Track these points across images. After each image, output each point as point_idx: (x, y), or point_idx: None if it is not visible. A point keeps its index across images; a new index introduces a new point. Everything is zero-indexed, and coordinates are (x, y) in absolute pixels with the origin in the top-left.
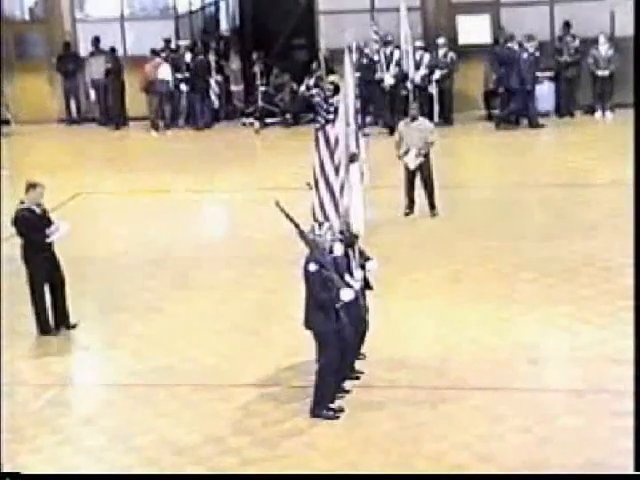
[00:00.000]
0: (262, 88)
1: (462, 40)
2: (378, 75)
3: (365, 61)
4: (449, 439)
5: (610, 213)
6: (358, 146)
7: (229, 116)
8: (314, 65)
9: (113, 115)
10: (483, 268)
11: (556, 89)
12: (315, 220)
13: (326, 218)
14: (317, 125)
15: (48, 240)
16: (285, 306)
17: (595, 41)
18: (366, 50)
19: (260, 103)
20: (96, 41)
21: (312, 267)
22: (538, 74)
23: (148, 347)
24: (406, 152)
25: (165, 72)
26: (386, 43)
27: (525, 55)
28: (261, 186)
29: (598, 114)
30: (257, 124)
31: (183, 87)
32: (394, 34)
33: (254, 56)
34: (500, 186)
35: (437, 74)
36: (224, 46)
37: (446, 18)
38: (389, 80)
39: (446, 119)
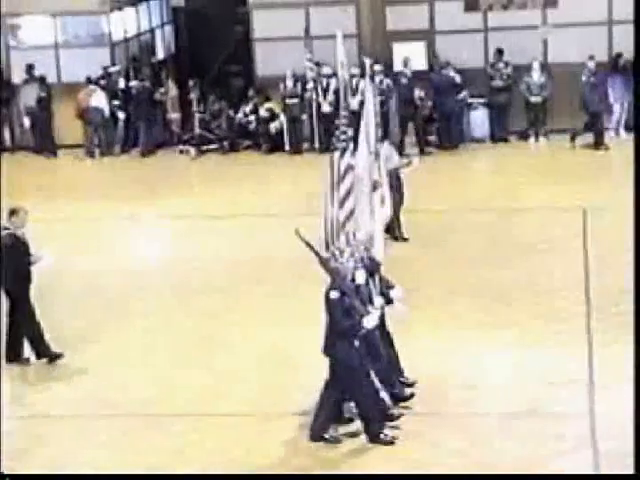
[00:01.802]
0: (199, 115)
1: (398, 67)
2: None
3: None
4: (389, 464)
5: (543, 237)
6: (380, 174)
7: (166, 143)
8: (250, 92)
9: (46, 143)
10: (417, 293)
11: (490, 115)
12: (326, 248)
13: (326, 246)
14: (331, 152)
15: (32, 266)
16: (226, 333)
17: (528, 68)
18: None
19: (197, 130)
20: (30, 68)
21: (334, 294)
22: (472, 100)
23: (83, 377)
24: None
25: (99, 99)
26: (321, 71)
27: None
28: (198, 213)
29: (532, 140)
30: (194, 151)
31: (120, 114)
32: (330, 61)
33: (190, 83)
34: (433, 211)
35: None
36: (159, 73)
37: (382, 45)
38: (326, 107)
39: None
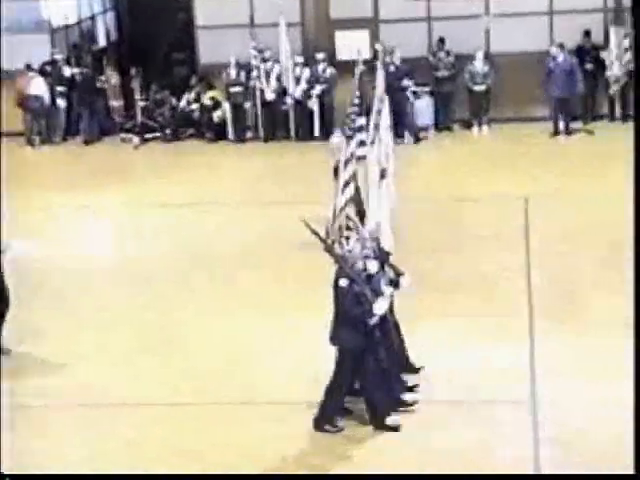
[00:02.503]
0: (141, 103)
1: (341, 55)
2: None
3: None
4: (334, 451)
5: (490, 226)
6: (388, 162)
7: (108, 132)
8: (193, 80)
9: None
10: None
11: (434, 103)
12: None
13: (327, 231)
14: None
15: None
16: (176, 325)
17: (471, 57)
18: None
19: (139, 118)
20: None
21: (343, 282)
22: (417, 89)
23: (30, 367)
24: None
25: (38, 87)
26: (265, 59)
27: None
28: (141, 202)
29: (475, 129)
30: (136, 140)
31: (60, 102)
32: (274, 49)
33: (132, 71)
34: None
35: (317, 89)
36: (100, 60)
37: (325, 33)
38: (269, 95)
39: (327, 134)
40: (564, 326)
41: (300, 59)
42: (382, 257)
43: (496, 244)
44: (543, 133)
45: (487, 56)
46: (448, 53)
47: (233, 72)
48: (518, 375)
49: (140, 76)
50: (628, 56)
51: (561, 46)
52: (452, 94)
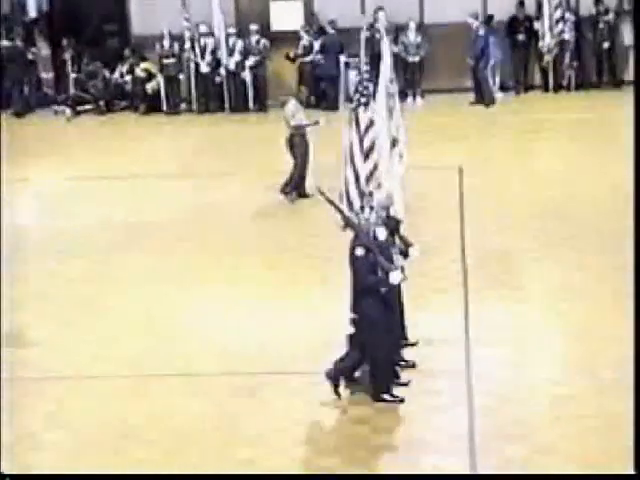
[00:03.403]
0: (73, 75)
1: (275, 26)
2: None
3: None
4: (268, 424)
5: (425, 196)
6: (397, 130)
7: (40, 104)
8: (126, 52)
9: None
10: (296, 254)
11: None
12: (348, 204)
13: (349, 200)
14: (352, 105)
15: None
16: (102, 296)
17: (404, 28)
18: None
19: (72, 91)
20: None
21: (359, 251)
22: (349, 60)
23: None
24: None
25: None
26: (201, 33)
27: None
28: (74, 175)
29: (409, 100)
30: (69, 112)
31: None
32: (207, 21)
33: (64, 42)
34: (315, 173)
35: (251, 60)
36: (31, 32)
37: (259, 4)
38: (204, 68)
39: (261, 106)
40: (498, 295)
41: (233, 30)
42: (392, 226)
43: (431, 214)
44: (475, 103)
45: (420, 27)
46: None
47: (166, 44)
48: (453, 345)
49: (72, 48)
50: (560, 27)
51: (476, 17)
52: None
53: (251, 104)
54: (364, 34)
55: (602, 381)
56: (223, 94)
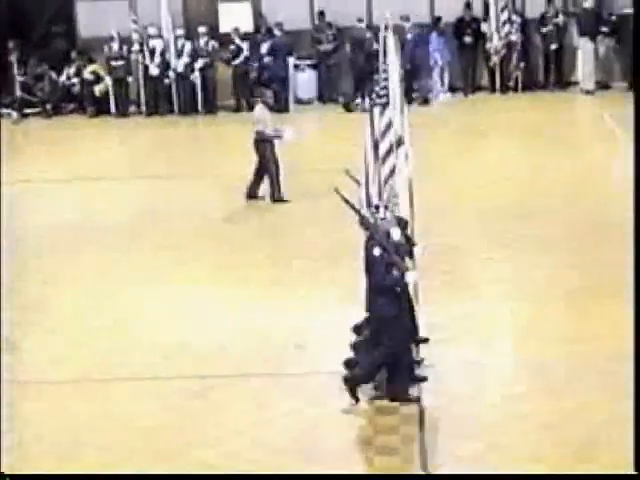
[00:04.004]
0: (20, 78)
1: (224, 28)
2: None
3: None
4: (224, 427)
5: None
6: (403, 129)
7: None
8: (74, 54)
9: None
10: (254, 254)
11: (318, 77)
12: (368, 206)
13: (369, 205)
14: (368, 108)
15: None
16: (54, 298)
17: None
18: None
19: (18, 93)
20: None
21: (377, 251)
22: (298, 62)
23: None
24: None
25: None
26: (150, 35)
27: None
28: (24, 178)
29: (359, 100)
30: (15, 115)
31: None
32: (155, 22)
33: (10, 45)
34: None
35: (199, 63)
36: None
37: (207, 6)
38: (153, 70)
39: (210, 108)
40: (448, 294)
41: (182, 32)
42: (402, 225)
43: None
44: (426, 106)
45: (370, 28)
46: (330, 25)
47: (115, 46)
48: None
49: (18, 50)
50: (507, 28)
51: (406, 18)
52: (336, 67)
53: (200, 106)
54: (382, 34)
55: (553, 379)
56: (172, 96)
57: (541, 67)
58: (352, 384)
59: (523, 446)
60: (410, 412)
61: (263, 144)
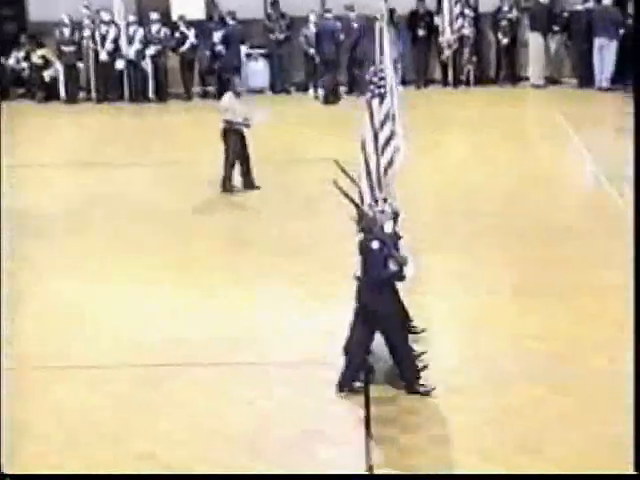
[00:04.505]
0: None
1: (176, 15)
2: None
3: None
4: (174, 417)
5: (323, 189)
6: (394, 119)
7: None
8: (23, 38)
9: None
10: (207, 246)
11: (270, 67)
12: (372, 198)
13: (360, 194)
14: (367, 96)
15: None
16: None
17: (306, 20)
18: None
19: None
20: None
21: (375, 245)
22: (251, 51)
23: None
24: None
25: None
26: (102, 20)
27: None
28: None
29: (311, 91)
30: None
31: None
32: (107, 8)
33: None
34: (213, 163)
35: (151, 50)
36: None
37: None
38: (103, 56)
39: (161, 96)
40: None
41: (134, 18)
42: (395, 218)
43: (334, 206)
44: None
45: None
46: (283, 15)
47: (66, 31)
48: (336, 337)
49: None
50: (460, 22)
51: (351, 8)
52: (288, 57)
53: (151, 94)
54: (379, 23)
55: (498, 373)
56: (123, 83)
57: (493, 62)
58: (345, 383)
59: (466, 440)
60: (357, 403)
61: (232, 134)
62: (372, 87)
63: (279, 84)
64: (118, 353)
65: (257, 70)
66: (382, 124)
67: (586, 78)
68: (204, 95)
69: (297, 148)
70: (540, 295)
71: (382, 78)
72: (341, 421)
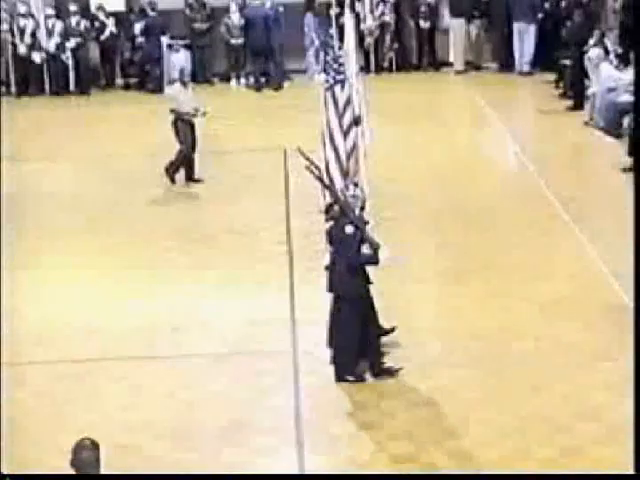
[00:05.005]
0: None
1: (95, 7)
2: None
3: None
4: (96, 411)
5: (245, 178)
6: (360, 108)
7: None
8: None
9: None
10: (129, 237)
11: (192, 57)
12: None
13: (331, 181)
14: (326, 85)
15: None
16: None
17: (227, 10)
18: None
19: None
20: None
21: (349, 229)
22: (172, 42)
23: None
24: None
25: None
26: (20, 13)
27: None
28: None
29: (233, 82)
30: None
31: None
32: (25, 1)
33: None
34: (142, 155)
35: (71, 42)
36: None
37: None
38: (22, 49)
39: (82, 88)
40: (322, 275)
41: (52, 11)
42: (362, 203)
43: (256, 196)
44: (300, 87)
45: (243, 9)
46: (204, 5)
47: None
48: (279, 325)
49: None
50: (380, 9)
51: None
52: (209, 47)
53: (72, 87)
54: (334, 11)
55: (425, 355)
56: (43, 77)
57: (414, 48)
58: (343, 372)
59: (396, 425)
60: (289, 391)
61: (185, 124)
62: (332, 74)
63: (201, 75)
64: (41, 349)
65: (179, 61)
66: (344, 110)
67: (507, 62)
68: (126, 87)
69: (218, 138)
70: (467, 280)
71: (341, 64)
72: (272, 412)
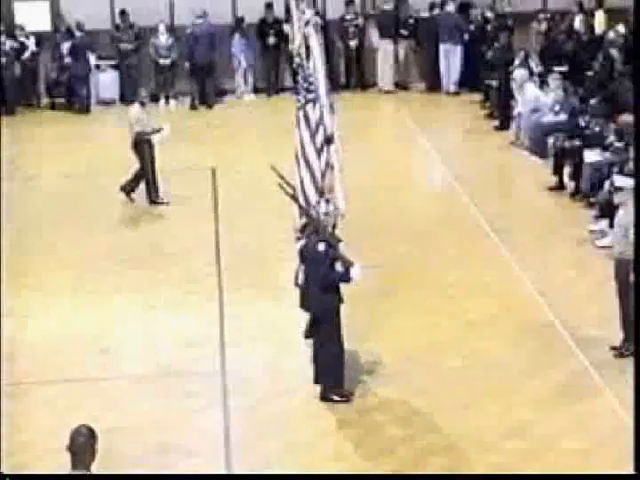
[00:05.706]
0: None
1: (16, 28)
2: None
3: None
4: (15, 437)
5: (181, 198)
6: (333, 126)
7: None
8: None
9: None
10: (55, 259)
11: (120, 77)
12: (306, 203)
13: (306, 200)
14: (298, 104)
15: None
16: None
17: (154, 30)
18: None
19: None
20: None
21: (321, 247)
22: (100, 62)
23: None
24: None
25: None
26: None
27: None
28: None
29: (162, 102)
30: None
31: None
32: None
33: None
34: (68, 175)
35: None
36: None
37: (3, 4)
38: None
39: (7, 108)
40: (254, 295)
41: None
42: (334, 221)
43: (184, 216)
44: (231, 107)
45: (172, 29)
46: (131, 26)
47: None
48: (208, 346)
49: None
50: None
51: (203, 14)
52: (137, 67)
53: None
54: (304, 30)
55: (352, 373)
56: None
57: (343, 68)
58: (330, 392)
59: (325, 444)
60: (217, 412)
61: (143, 145)
62: (304, 93)
63: (129, 95)
64: None
65: (106, 81)
66: (317, 127)
67: (434, 83)
68: (52, 107)
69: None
70: (395, 298)
71: (311, 83)
72: (200, 433)
